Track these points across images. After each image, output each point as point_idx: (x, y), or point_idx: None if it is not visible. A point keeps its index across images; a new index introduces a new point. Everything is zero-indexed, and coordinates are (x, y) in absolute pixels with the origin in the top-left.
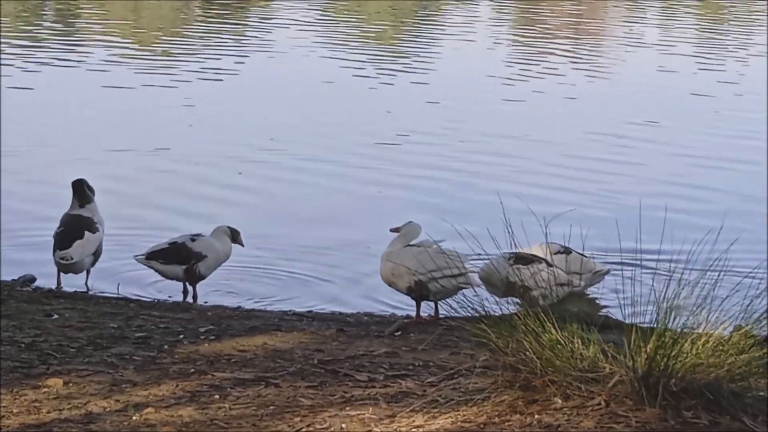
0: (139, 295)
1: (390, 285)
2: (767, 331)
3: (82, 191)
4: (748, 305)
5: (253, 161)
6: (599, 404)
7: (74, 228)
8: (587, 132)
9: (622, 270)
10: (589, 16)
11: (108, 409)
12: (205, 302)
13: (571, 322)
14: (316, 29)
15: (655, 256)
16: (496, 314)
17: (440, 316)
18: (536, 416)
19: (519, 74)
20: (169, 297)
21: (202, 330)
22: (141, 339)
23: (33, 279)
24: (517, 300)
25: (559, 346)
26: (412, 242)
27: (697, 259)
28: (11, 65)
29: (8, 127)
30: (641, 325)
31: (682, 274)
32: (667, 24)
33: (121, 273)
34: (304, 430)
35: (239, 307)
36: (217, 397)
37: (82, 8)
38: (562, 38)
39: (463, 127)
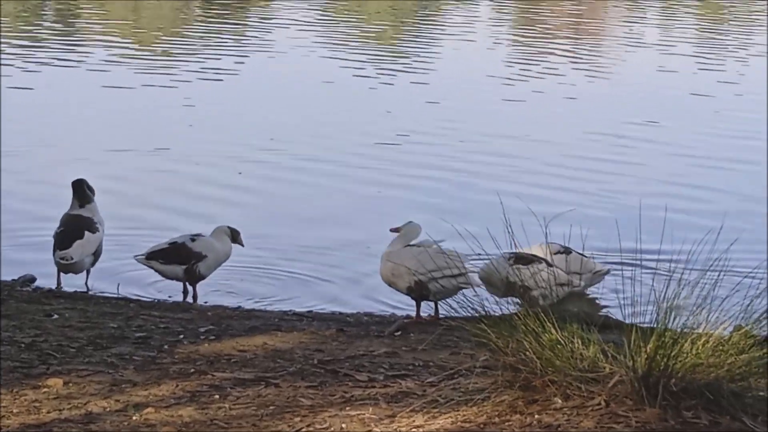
0: (139, 295)
1: (390, 285)
2: (767, 331)
3: (82, 191)
4: (748, 305)
5: (253, 161)
6: (599, 404)
7: (74, 228)
8: (587, 132)
9: (622, 270)
10: (589, 16)
11: (108, 409)
12: (205, 302)
13: (571, 322)
14: (316, 29)
15: (655, 256)
16: (496, 314)
17: (440, 316)
18: (536, 416)
19: (519, 74)
20: (169, 297)
21: (202, 330)
22: (141, 339)
23: (33, 279)
24: (517, 300)
25: (559, 346)
26: (413, 242)
27: (697, 259)
28: (11, 65)
29: (8, 127)
30: (641, 325)
31: (682, 274)
32: (667, 24)
33: (121, 273)
34: (304, 430)
35: (239, 307)
36: (217, 397)
37: (82, 8)
38: (562, 38)
39: (463, 127)
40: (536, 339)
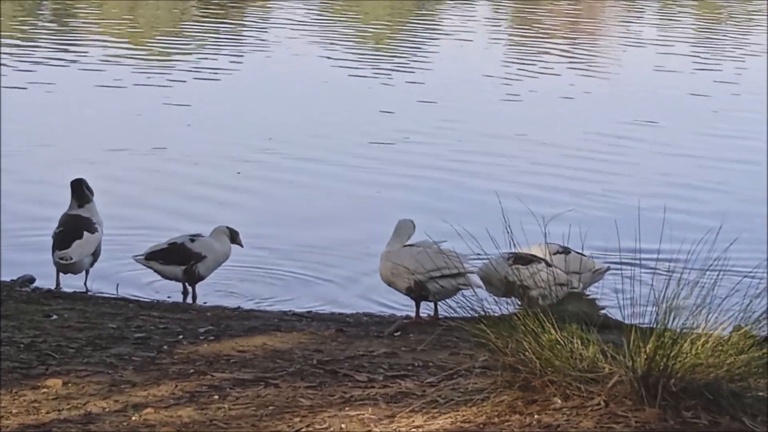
0: (138, 296)
1: (389, 285)
2: (767, 332)
3: (81, 191)
4: (748, 305)
5: (252, 161)
6: (598, 404)
7: (73, 228)
8: (586, 132)
9: (621, 270)
10: (587, 16)
11: (107, 410)
12: (205, 303)
13: (571, 323)
14: (313, 29)
15: (655, 256)
16: (496, 314)
17: (439, 316)
18: (535, 416)
19: (517, 74)
20: (168, 297)
21: (201, 330)
22: (140, 339)
23: (32, 279)
24: (517, 300)
25: (558, 346)
26: (413, 242)
27: (696, 259)
28: (8, 65)
29: (7, 127)
30: (641, 325)
31: (682, 274)
32: (665, 24)
33: (120, 273)
34: (303, 430)
35: (238, 307)
36: (216, 397)
37: (78, 8)
38: (560, 38)
39: (461, 127)
40: (535, 339)
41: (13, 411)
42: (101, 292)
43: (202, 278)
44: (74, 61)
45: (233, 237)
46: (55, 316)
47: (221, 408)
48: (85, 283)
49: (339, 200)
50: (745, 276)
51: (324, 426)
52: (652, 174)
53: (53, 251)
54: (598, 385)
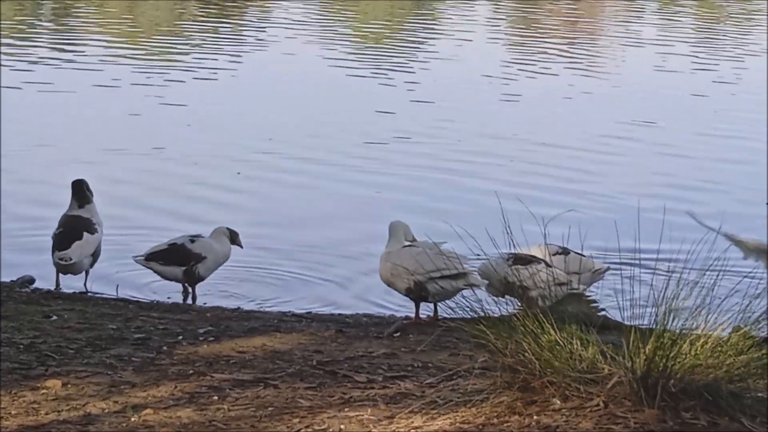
0: (137, 297)
1: (389, 285)
2: (766, 332)
3: (81, 192)
4: (747, 306)
5: (252, 162)
6: (598, 405)
7: (73, 229)
8: (586, 132)
9: (621, 271)
10: (587, 16)
11: (107, 411)
12: (204, 303)
13: (570, 323)
14: (313, 29)
15: (654, 257)
16: (495, 315)
17: (439, 317)
18: (535, 417)
19: (516, 74)
20: (168, 298)
21: (201, 331)
22: (140, 340)
23: (32, 280)
24: (516, 301)
25: (557, 347)
26: (412, 243)
27: (696, 260)
28: (7, 65)
29: (6, 127)
30: (640, 326)
31: (681, 274)
32: (664, 23)
33: (119, 274)
34: (302, 431)
35: (238, 308)
36: (215, 398)
37: (78, 8)
38: (560, 38)
39: (461, 127)
40: (535, 340)
41: (13, 412)
42: (101, 293)
43: (202, 279)
44: (73, 61)
45: (233, 238)
46: (54, 317)
47: (221, 409)
48: (84, 284)
49: (338, 200)
50: (745, 276)
51: (323, 427)
52: (651, 174)
53: (53, 252)
54: (597, 386)
